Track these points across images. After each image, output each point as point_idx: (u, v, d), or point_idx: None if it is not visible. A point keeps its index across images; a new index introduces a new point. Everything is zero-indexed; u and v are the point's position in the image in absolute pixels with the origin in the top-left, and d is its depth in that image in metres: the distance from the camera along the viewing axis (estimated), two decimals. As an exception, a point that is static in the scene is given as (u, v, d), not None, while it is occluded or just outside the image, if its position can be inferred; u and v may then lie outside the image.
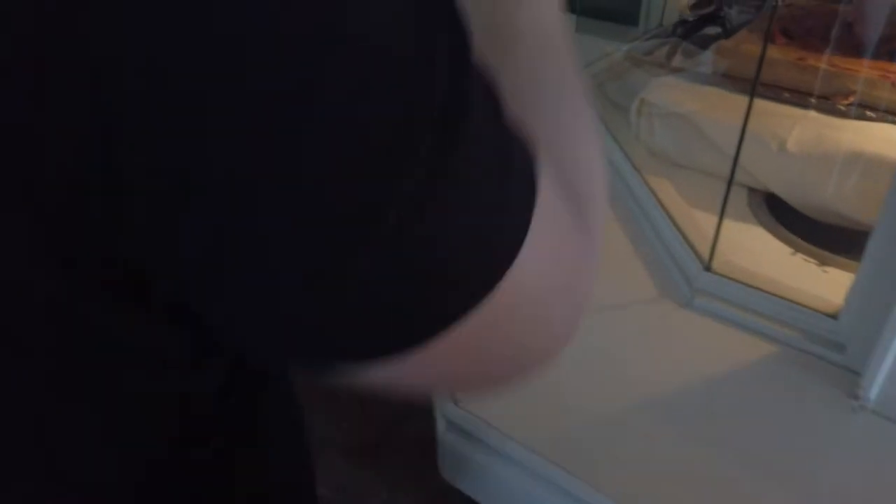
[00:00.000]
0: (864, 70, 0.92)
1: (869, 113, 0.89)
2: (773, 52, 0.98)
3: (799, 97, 0.94)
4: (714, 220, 0.88)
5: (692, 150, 0.97)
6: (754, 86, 0.82)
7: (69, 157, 0.18)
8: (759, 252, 0.83)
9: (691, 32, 1.18)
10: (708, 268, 0.77)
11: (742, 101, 0.95)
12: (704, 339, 0.73)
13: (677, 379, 0.68)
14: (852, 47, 0.98)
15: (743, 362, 0.70)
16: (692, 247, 0.79)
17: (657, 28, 1.46)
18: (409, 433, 1.02)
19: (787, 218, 0.90)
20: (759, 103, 0.95)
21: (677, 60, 1.13)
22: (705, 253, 0.78)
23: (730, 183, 0.79)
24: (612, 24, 1.54)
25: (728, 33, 1.15)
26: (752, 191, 0.95)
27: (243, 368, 0.31)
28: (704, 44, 1.16)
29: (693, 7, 1.20)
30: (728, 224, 0.87)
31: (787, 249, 0.84)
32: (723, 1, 1.22)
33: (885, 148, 0.81)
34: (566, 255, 0.28)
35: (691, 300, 0.77)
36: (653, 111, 0.99)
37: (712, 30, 1.20)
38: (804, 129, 0.87)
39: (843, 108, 0.91)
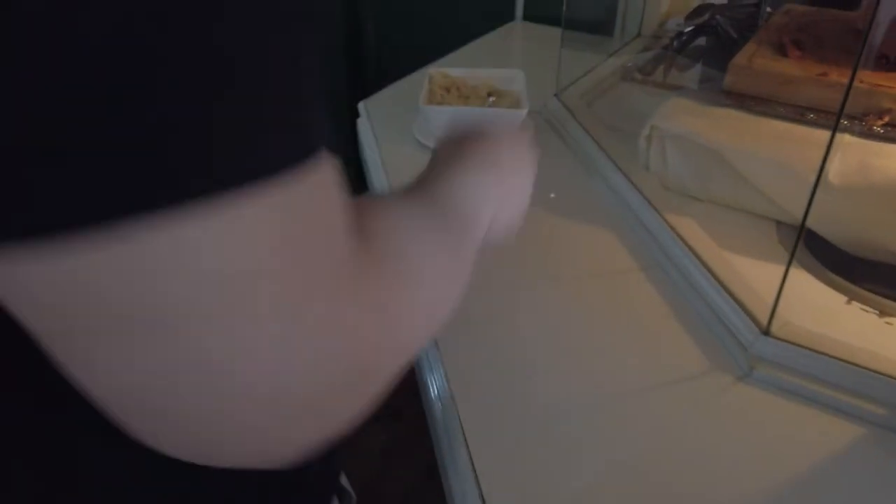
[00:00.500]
0: (899, 86, 0.83)
1: (908, 135, 0.80)
2: (790, 68, 0.88)
3: (825, 118, 0.84)
4: (752, 263, 0.77)
5: (716, 184, 0.86)
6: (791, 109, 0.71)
7: None
8: (812, 304, 0.73)
9: (686, 45, 1.08)
10: (767, 331, 0.65)
11: (765, 124, 0.85)
12: (770, 418, 0.62)
13: (748, 469, 0.57)
14: (878, 60, 0.89)
15: (822, 446, 0.59)
16: (743, 307, 0.68)
17: (637, 38, 1.36)
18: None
19: (831, 258, 0.79)
20: (783, 126, 0.85)
21: (674, 76, 1.02)
22: (759, 312, 0.67)
23: (799, 236, 0.68)
24: (586, 35, 1.44)
25: (727, 45, 1.05)
26: (781, 225, 0.84)
27: None
28: (698, 56, 1.06)
29: (688, 17, 1.09)
30: (765, 268, 0.77)
31: (839, 297, 0.74)
32: (715, 9, 1.12)
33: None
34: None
35: (750, 371, 0.65)
36: (666, 139, 0.87)
37: (704, 40, 1.10)
38: (845, 157, 0.77)
39: (879, 129, 0.81)
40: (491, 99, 1.06)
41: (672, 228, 0.80)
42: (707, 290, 0.72)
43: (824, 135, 0.82)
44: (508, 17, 1.61)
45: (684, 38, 1.06)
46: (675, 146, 0.87)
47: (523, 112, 0.97)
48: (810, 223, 0.80)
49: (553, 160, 1.02)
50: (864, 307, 0.72)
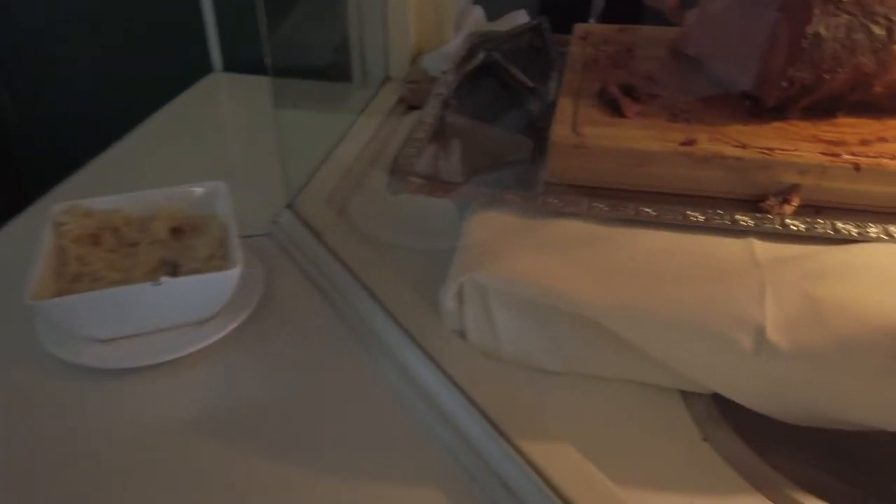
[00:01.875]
0: (803, 147, 0.54)
1: (841, 226, 0.51)
2: (640, 137, 0.57)
3: (709, 214, 0.53)
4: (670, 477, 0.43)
5: (583, 351, 0.52)
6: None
7: None
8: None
9: (462, 103, 0.72)
10: None
11: (635, 241, 0.52)
12: None
13: None
14: (743, 102, 0.61)
15: None
16: None
17: (386, 84, 1.00)
18: None
19: (775, 444, 0.49)
20: (661, 241, 0.52)
21: (464, 159, 0.66)
22: None
23: None
24: (315, 84, 1.04)
25: (520, 97, 0.72)
26: (689, 396, 0.52)
27: None
28: (484, 118, 0.71)
29: (460, 64, 0.74)
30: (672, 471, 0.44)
31: None
32: (488, 43, 0.78)
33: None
34: None
35: None
36: (489, 296, 0.51)
37: (482, 89, 0.76)
38: (777, 292, 0.46)
39: (795, 223, 0.52)
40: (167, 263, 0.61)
41: (523, 457, 0.44)
42: None
43: (722, 246, 0.52)
44: (203, 67, 1.15)
45: (460, 93, 0.71)
46: (505, 306, 0.51)
47: (234, 274, 0.55)
48: (742, 398, 0.48)
49: (301, 323, 0.61)
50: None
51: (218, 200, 0.65)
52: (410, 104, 0.94)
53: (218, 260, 0.60)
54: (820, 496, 0.45)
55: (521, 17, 1.05)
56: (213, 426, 0.52)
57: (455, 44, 0.99)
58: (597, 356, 0.51)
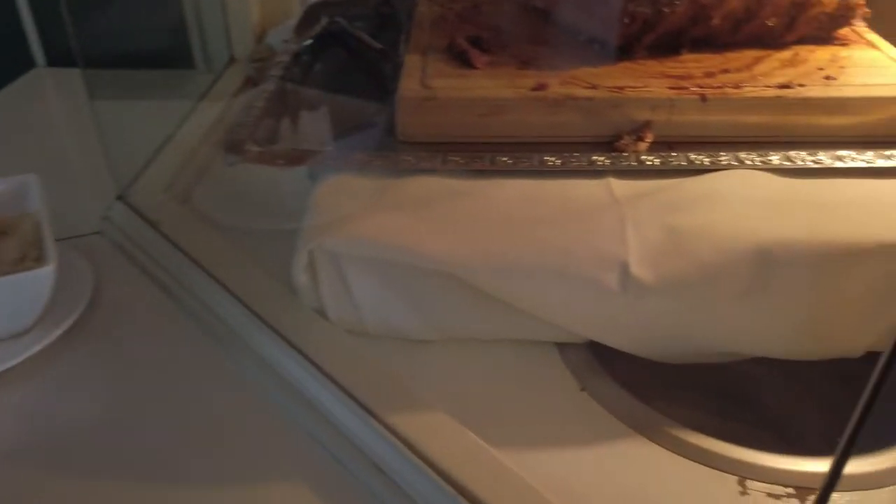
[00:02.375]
0: (652, 84, 0.53)
1: (694, 157, 0.51)
2: (491, 85, 0.54)
3: (565, 158, 0.51)
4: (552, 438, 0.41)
5: (451, 315, 0.48)
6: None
7: None
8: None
9: (308, 72, 0.67)
10: None
11: (493, 191, 0.49)
12: None
13: None
14: (592, 47, 0.59)
15: None
16: None
17: (231, 65, 0.93)
18: None
19: (654, 388, 0.48)
20: (520, 188, 0.50)
21: (306, 130, 0.61)
22: None
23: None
24: (153, 73, 0.96)
25: (370, 61, 0.68)
26: (564, 348, 0.50)
27: None
28: (332, 86, 0.67)
29: (298, 28, 0.69)
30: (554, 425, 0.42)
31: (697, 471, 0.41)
32: (331, 9, 0.74)
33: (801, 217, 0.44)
34: None
35: None
36: (344, 264, 0.46)
37: (330, 58, 0.72)
38: (638, 229, 0.45)
39: (650, 158, 0.51)
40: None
41: (396, 435, 0.41)
42: None
43: (580, 188, 0.50)
44: (24, 63, 1.03)
45: (302, 61, 0.66)
46: (362, 273, 0.46)
47: (46, 274, 0.48)
48: (613, 340, 0.47)
49: (142, 324, 0.54)
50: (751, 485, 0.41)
51: (29, 197, 0.57)
52: (258, 84, 0.88)
53: (30, 262, 0.52)
54: (700, 432, 0.44)
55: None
56: (38, 454, 0.45)
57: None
58: (466, 318, 0.48)
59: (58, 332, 0.51)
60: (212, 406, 0.48)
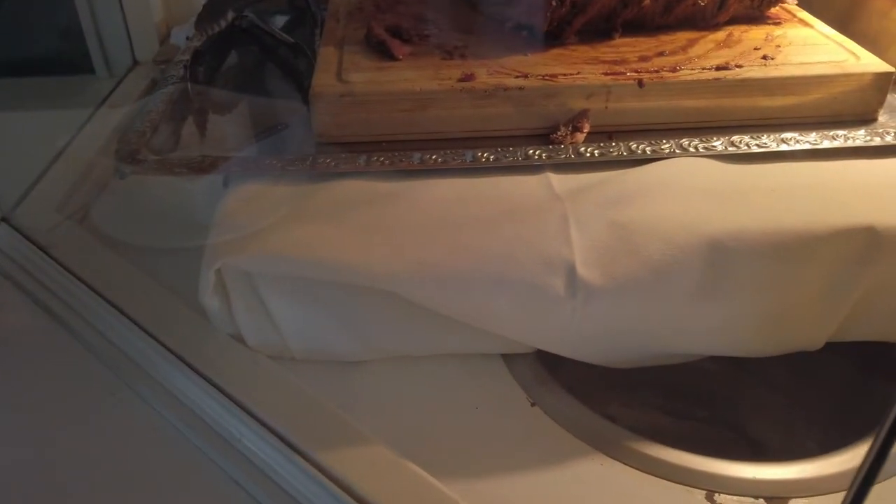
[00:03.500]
0: (586, 70, 0.50)
1: (635, 146, 0.47)
2: (415, 77, 0.50)
3: (498, 153, 0.47)
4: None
5: (381, 333, 0.43)
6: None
7: None
8: None
9: (213, 70, 0.62)
10: None
11: (422, 192, 0.45)
12: None
13: None
14: (521, 32, 0.56)
15: None
16: None
17: (134, 68, 0.85)
18: None
19: (607, 395, 0.44)
20: (454, 187, 0.46)
21: (214, 129, 0.55)
22: None
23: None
24: (49, 81, 0.88)
25: (282, 57, 0.62)
26: (511, 359, 0.46)
27: None
28: (241, 85, 0.61)
29: (199, 23, 0.63)
30: (505, 445, 0.38)
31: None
32: (237, 2, 0.68)
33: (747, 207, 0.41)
34: None
35: None
36: (259, 284, 0.41)
37: (238, 55, 0.66)
38: (581, 223, 0.41)
39: (589, 149, 0.47)
40: None
41: (326, 474, 0.36)
42: None
43: (518, 186, 0.46)
44: None
45: (206, 59, 0.60)
46: (280, 293, 0.41)
47: None
48: (565, 351, 0.43)
49: (34, 361, 0.48)
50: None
51: None
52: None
53: None
54: (658, 436, 0.41)
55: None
56: None
57: (207, 13, 0.87)
58: (401, 334, 0.43)
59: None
60: (118, 446, 0.42)
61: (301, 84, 0.59)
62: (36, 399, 0.46)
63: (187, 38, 0.66)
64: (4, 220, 0.57)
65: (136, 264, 0.53)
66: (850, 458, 0.39)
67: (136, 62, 0.86)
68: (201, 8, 0.64)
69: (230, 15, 0.65)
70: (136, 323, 0.47)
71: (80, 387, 0.47)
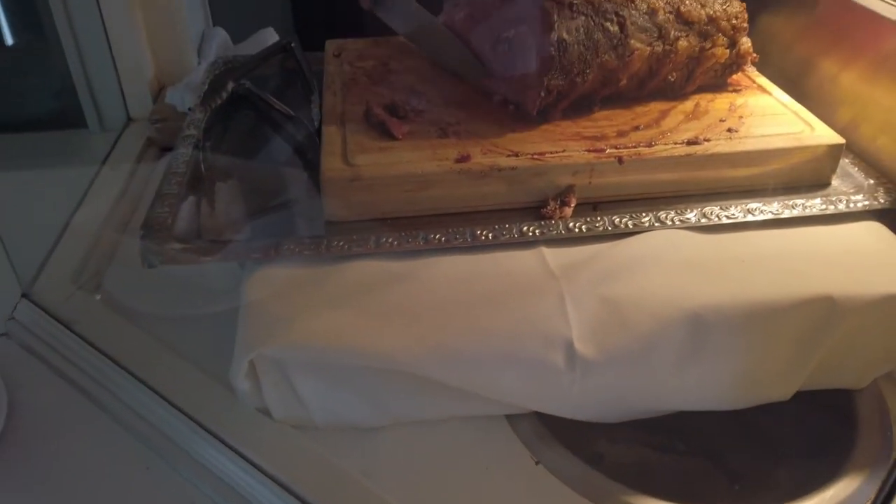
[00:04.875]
0: (570, 147, 0.55)
1: (618, 220, 0.53)
2: (416, 159, 0.54)
3: (496, 231, 0.52)
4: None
5: (403, 402, 0.48)
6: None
7: None
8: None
9: (217, 142, 0.65)
10: None
11: (431, 272, 0.49)
12: None
13: None
14: (505, 107, 0.60)
15: None
16: None
17: (129, 125, 0.88)
18: None
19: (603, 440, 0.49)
20: (459, 266, 0.50)
21: (228, 212, 0.59)
22: None
23: None
24: (42, 136, 0.91)
25: (283, 129, 0.66)
26: (514, 419, 0.51)
27: None
28: (246, 159, 0.64)
29: (205, 98, 0.66)
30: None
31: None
32: (235, 72, 0.72)
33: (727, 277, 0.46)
34: None
35: None
36: (290, 370, 0.45)
37: (238, 124, 0.69)
38: (577, 303, 0.46)
39: (577, 225, 0.52)
40: None
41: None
42: None
43: (516, 261, 0.51)
44: None
45: (212, 132, 0.64)
46: (307, 375, 0.45)
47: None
48: (563, 413, 0.48)
49: (68, 439, 0.51)
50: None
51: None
52: (162, 146, 0.84)
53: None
54: (645, 472, 0.46)
55: (269, 36, 0.99)
56: None
57: (201, 72, 0.90)
58: (415, 404, 0.48)
59: (-26, 461, 0.46)
60: None
61: (303, 154, 0.63)
62: (69, 470, 0.49)
63: (189, 109, 0.69)
64: (25, 296, 0.59)
65: (154, 333, 0.57)
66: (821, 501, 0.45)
67: (130, 119, 0.89)
68: (207, 85, 0.67)
69: (230, 85, 0.68)
70: (163, 397, 0.51)
71: (109, 456, 0.50)
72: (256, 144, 0.64)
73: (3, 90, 0.90)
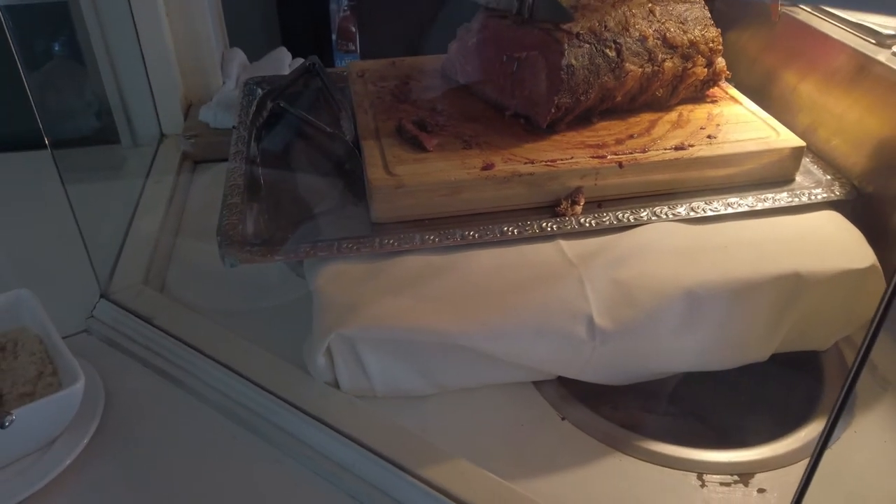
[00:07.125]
0: (577, 154, 0.65)
1: (621, 215, 0.62)
2: (447, 168, 0.63)
3: (520, 227, 0.62)
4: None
5: (450, 372, 0.57)
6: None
7: None
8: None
9: (268, 156, 0.74)
10: None
11: (466, 263, 0.59)
12: None
13: None
14: (517, 121, 0.70)
15: None
16: None
17: (163, 141, 0.96)
18: None
19: (616, 402, 0.59)
20: (491, 258, 0.60)
21: (287, 217, 0.68)
22: None
23: None
24: (79, 151, 0.97)
25: (322, 144, 0.75)
26: (540, 385, 0.60)
27: None
28: (292, 170, 0.73)
29: (254, 121, 0.75)
30: (547, 452, 0.52)
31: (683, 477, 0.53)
32: (269, 93, 0.80)
33: (709, 259, 0.56)
34: None
35: None
36: (359, 346, 0.54)
37: (278, 139, 0.78)
38: (594, 284, 0.56)
39: (587, 220, 0.62)
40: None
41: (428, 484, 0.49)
42: None
43: (538, 253, 0.60)
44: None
45: (259, 148, 0.72)
46: (374, 351, 0.54)
47: (78, 389, 0.52)
48: (584, 377, 0.58)
49: (164, 418, 0.59)
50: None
51: (23, 311, 0.60)
52: (196, 159, 0.92)
53: (48, 377, 0.55)
54: (649, 431, 0.56)
55: (283, 55, 1.07)
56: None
57: (228, 90, 0.98)
58: (461, 373, 0.57)
59: (84, 440, 0.54)
60: (252, 487, 0.53)
61: (340, 164, 0.72)
62: (168, 452, 0.56)
63: (234, 128, 0.77)
64: (103, 296, 0.67)
65: (221, 324, 0.65)
66: (793, 441, 0.55)
67: (163, 135, 0.96)
68: (253, 108, 0.75)
69: (270, 105, 0.77)
70: (243, 376, 0.59)
71: (202, 433, 0.57)
72: (301, 158, 0.73)
73: (43, 109, 0.96)
